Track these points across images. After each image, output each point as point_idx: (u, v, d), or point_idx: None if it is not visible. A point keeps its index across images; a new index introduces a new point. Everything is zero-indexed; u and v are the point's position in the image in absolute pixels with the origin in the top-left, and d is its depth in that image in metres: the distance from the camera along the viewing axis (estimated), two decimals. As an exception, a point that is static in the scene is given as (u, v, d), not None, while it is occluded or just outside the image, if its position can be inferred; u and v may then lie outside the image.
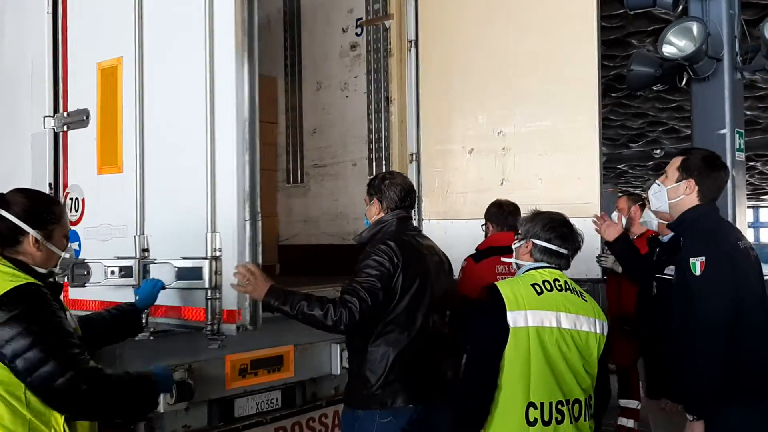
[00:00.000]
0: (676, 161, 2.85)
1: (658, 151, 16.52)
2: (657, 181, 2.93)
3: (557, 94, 4.10)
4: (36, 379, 1.97)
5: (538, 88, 4.15)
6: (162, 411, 3.18)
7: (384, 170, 4.27)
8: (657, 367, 3.46)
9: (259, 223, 2.81)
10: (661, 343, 3.38)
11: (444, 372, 3.04)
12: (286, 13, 5.02)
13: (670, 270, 3.35)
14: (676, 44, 5.65)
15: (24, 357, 1.96)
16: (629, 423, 5.13)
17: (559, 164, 4.10)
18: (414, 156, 4.11)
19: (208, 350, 3.35)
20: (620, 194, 5.54)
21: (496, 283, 2.56)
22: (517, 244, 2.71)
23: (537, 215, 2.68)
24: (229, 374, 3.44)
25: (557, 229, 2.61)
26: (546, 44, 4.14)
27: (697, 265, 2.59)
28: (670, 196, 2.83)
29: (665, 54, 5.73)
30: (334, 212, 4.67)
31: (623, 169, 20.00)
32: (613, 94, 12.19)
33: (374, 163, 4.32)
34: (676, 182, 2.80)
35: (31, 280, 2.10)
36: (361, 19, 4.44)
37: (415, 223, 4.11)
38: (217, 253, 2.80)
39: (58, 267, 2.30)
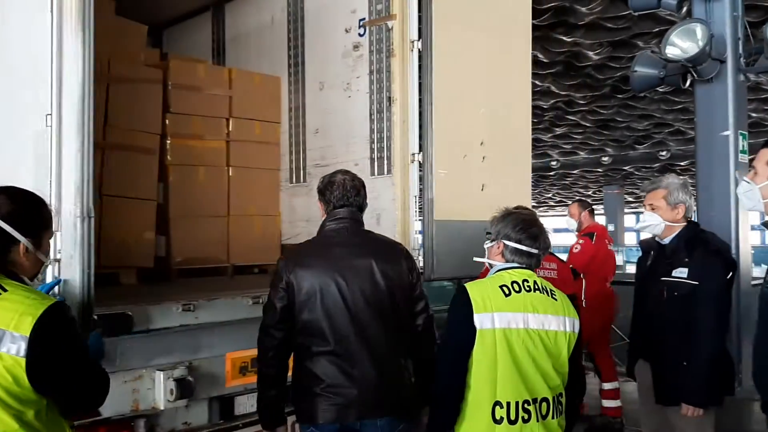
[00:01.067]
0: (765, 154, 2.58)
1: (664, 153, 16.52)
2: (746, 179, 2.65)
3: (503, 106, 4.61)
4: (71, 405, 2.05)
5: (494, 104, 4.54)
6: (162, 408, 3.21)
7: (386, 170, 4.28)
8: (668, 373, 3.42)
9: (91, 221, 2.61)
10: (678, 348, 3.35)
11: (386, 382, 2.76)
12: (290, 13, 5.04)
13: (679, 273, 3.37)
14: (679, 46, 5.66)
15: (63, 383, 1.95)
16: (614, 403, 5.85)
17: (507, 173, 4.61)
18: (415, 156, 4.11)
19: (210, 348, 3.41)
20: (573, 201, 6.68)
21: (465, 284, 2.59)
22: (489, 245, 2.72)
23: (507, 215, 2.69)
24: (229, 372, 3.45)
25: (527, 230, 2.61)
26: (489, 58, 4.52)
27: None
28: (764, 194, 2.55)
29: (668, 55, 5.74)
30: (336, 212, 4.67)
31: (629, 170, 19.97)
32: (618, 96, 12.20)
33: (376, 163, 4.32)
34: None
35: (52, 299, 1.98)
36: (364, 19, 4.44)
37: (418, 224, 4.15)
38: (58, 255, 2.59)
39: (40, 274, 2.19)
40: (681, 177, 3.59)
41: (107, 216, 4.29)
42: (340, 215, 2.88)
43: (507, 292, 2.50)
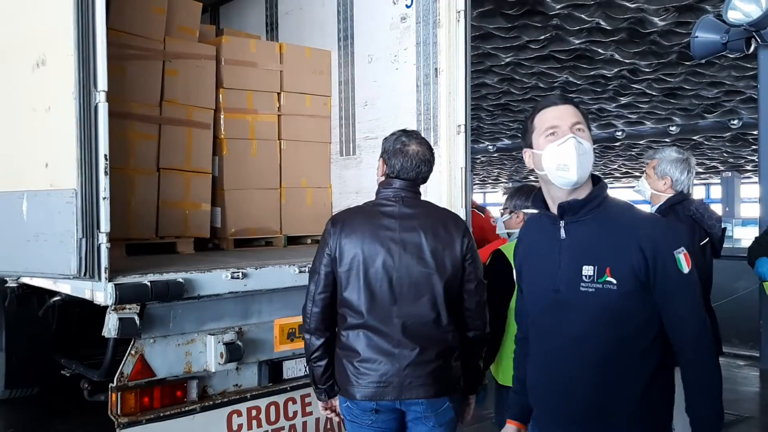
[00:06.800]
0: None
1: (735, 122, 15.85)
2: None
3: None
4: None
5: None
6: (213, 370, 3.37)
7: (433, 142, 4.30)
8: None
9: None
10: None
11: (428, 362, 2.58)
12: (339, -14, 5.08)
13: None
14: (742, 9, 5.44)
15: None
16: None
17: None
18: (461, 128, 4.12)
19: (258, 314, 3.55)
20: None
21: (500, 248, 3.11)
22: (508, 217, 3.26)
23: (517, 190, 3.27)
24: (277, 337, 3.59)
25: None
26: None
27: None
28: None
29: (730, 20, 5.52)
30: (385, 183, 4.73)
31: (698, 140, 19.29)
32: (686, 63, 11.75)
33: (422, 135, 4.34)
34: None
35: None
36: (411, -10, 4.45)
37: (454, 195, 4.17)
38: None
39: None
40: (684, 153, 3.64)
41: (165, 188, 4.48)
42: (397, 185, 2.70)
43: None
